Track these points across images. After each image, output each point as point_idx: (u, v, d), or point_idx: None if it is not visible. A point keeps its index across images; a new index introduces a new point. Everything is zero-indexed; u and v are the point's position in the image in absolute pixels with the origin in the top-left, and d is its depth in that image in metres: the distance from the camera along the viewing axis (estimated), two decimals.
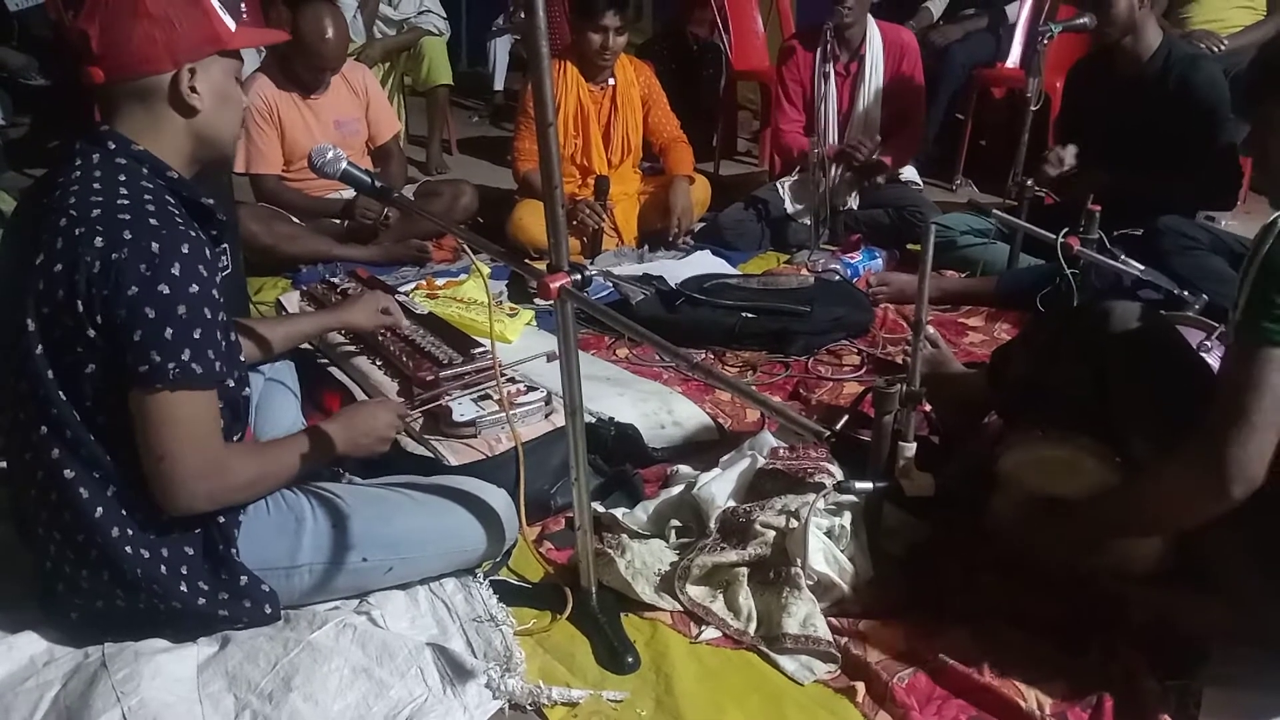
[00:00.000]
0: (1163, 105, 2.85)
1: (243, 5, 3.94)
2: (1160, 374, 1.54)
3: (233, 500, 1.45)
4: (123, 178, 1.36)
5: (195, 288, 1.32)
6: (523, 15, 5.35)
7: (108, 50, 1.36)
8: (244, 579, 1.47)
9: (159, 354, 1.30)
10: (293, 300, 2.76)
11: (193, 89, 1.40)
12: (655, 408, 2.18)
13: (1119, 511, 1.51)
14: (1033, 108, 2.91)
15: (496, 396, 1.94)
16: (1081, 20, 2.85)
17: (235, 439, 1.53)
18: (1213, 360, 1.79)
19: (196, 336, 1.32)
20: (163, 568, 1.41)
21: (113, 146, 1.38)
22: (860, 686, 1.47)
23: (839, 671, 1.51)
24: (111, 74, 1.37)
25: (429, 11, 4.74)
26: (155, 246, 1.30)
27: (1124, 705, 1.41)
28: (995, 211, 2.67)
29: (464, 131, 5.41)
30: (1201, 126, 2.82)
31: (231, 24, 1.44)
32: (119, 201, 1.33)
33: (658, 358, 2.62)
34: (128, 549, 1.39)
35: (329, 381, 2.23)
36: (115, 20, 1.35)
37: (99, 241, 1.29)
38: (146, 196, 1.35)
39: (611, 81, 3.52)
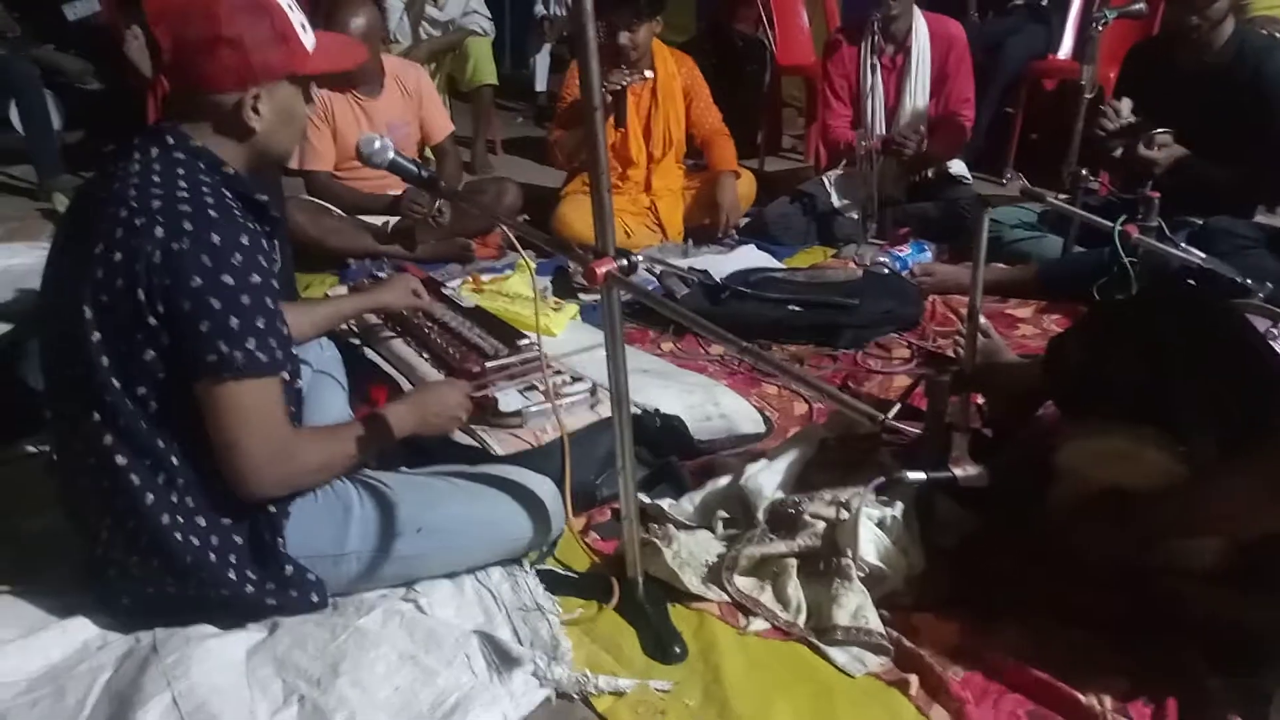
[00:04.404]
0: (1232, 97, 2.75)
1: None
2: (1229, 364, 1.49)
3: (304, 484, 1.46)
4: (181, 171, 1.37)
5: (257, 278, 1.33)
6: (564, 12, 5.40)
7: (176, 61, 1.36)
8: (289, 568, 1.48)
9: (226, 344, 1.31)
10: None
11: (255, 110, 1.40)
12: (701, 400, 2.16)
13: (1187, 511, 1.45)
14: (1087, 95, 2.85)
15: (542, 388, 1.94)
16: (1138, 6, 2.78)
17: None
18: None
19: (260, 325, 1.33)
20: (211, 555, 1.42)
21: (171, 142, 1.39)
22: (914, 679, 1.44)
23: (891, 664, 1.49)
24: (177, 85, 1.38)
25: (474, 12, 4.76)
26: (216, 238, 1.31)
27: (1189, 703, 1.37)
28: (1050, 200, 2.61)
29: (508, 132, 5.43)
30: (1273, 120, 2.73)
31: (310, 43, 1.42)
32: (179, 194, 1.34)
33: (703, 351, 2.60)
34: (177, 536, 1.40)
35: (375, 374, 2.23)
36: (187, 35, 1.34)
37: (159, 232, 1.30)
38: (204, 189, 1.36)
39: (650, 74, 3.46)
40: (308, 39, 1.42)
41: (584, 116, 1.29)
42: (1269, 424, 1.35)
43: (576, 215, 3.32)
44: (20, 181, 4.31)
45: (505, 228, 1.66)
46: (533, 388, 2.00)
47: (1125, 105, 2.81)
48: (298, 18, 1.41)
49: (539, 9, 5.84)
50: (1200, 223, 2.72)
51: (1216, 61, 2.78)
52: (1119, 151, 2.82)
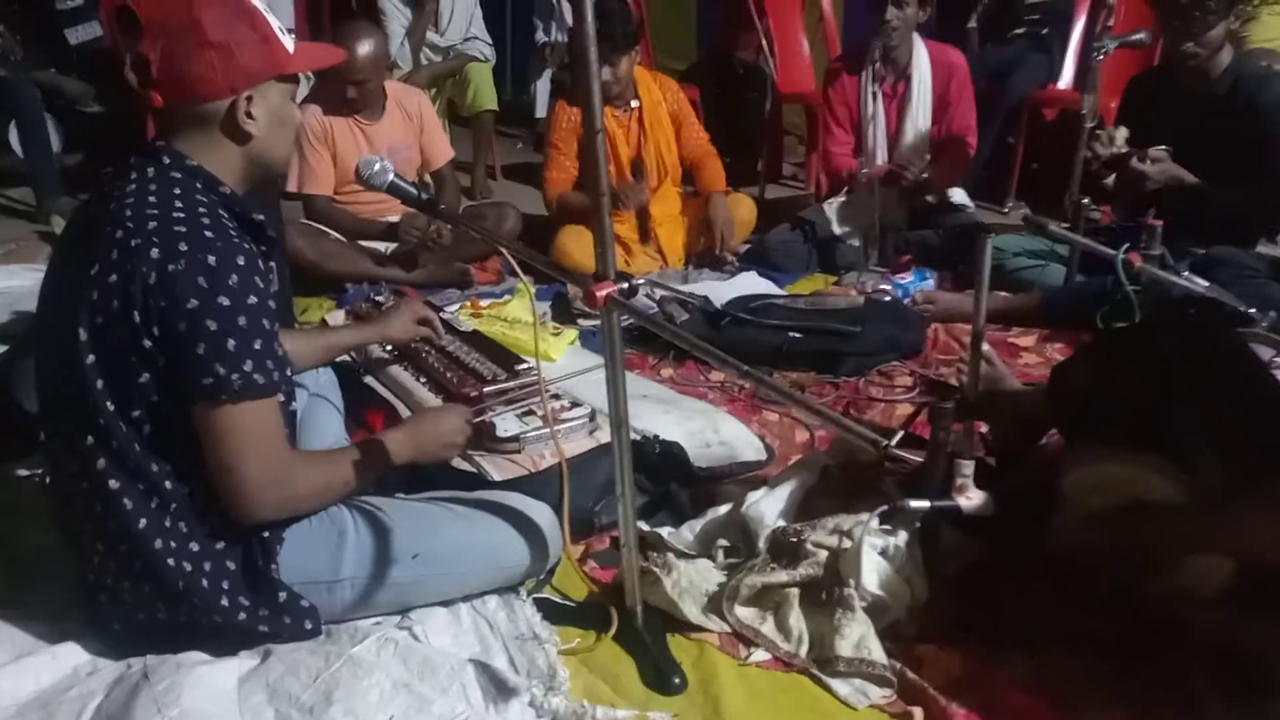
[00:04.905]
0: (1229, 125, 2.76)
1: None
2: (1233, 387, 1.48)
3: (301, 509, 1.45)
4: (178, 191, 1.37)
5: (253, 299, 1.32)
6: (565, 39, 5.42)
7: (167, 76, 1.36)
8: (283, 595, 1.46)
9: (223, 366, 1.30)
10: (337, 320, 2.77)
11: (249, 114, 1.40)
12: (701, 426, 2.15)
13: (1199, 539, 1.44)
14: (1088, 124, 2.85)
15: (540, 412, 1.92)
16: (1138, 35, 2.79)
17: None
18: None
19: (257, 347, 1.32)
20: (204, 581, 1.41)
21: (167, 161, 1.39)
22: (918, 712, 1.42)
23: (895, 696, 1.46)
24: (170, 99, 1.38)
25: (475, 38, 4.79)
26: (211, 259, 1.30)
27: None
28: (1052, 228, 2.61)
29: (508, 158, 5.45)
30: (1271, 147, 2.73)
31: (290, 45, 1.44)
32: (174, 214, 1.33)
33: (703, 377, 2.59)
34: (170, 561, 1.38)
35: (372, 398, 2.22)
36: (176, 47, 1.35)
37: (155, 253, 1.29)
38: (201, 209, 1.36)
39: (635, 104, 3.45)
40: (287, 41, 1.44)
41: (583, 137, 1.29)
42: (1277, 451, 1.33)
43: (576, 244, 3.30)
44: (19, 204, 4.32)
45: (505, 252, 1.65)
46: (531, 413, 1.98)
47: (1120, 134, 2.82)
48: (275, 22, 1.43)
49: (540, 35, 5.88)
50: (1203, 251, 2.72)
51: (1214, 91, 2.79)
52: (1111, 179, 2.84)
